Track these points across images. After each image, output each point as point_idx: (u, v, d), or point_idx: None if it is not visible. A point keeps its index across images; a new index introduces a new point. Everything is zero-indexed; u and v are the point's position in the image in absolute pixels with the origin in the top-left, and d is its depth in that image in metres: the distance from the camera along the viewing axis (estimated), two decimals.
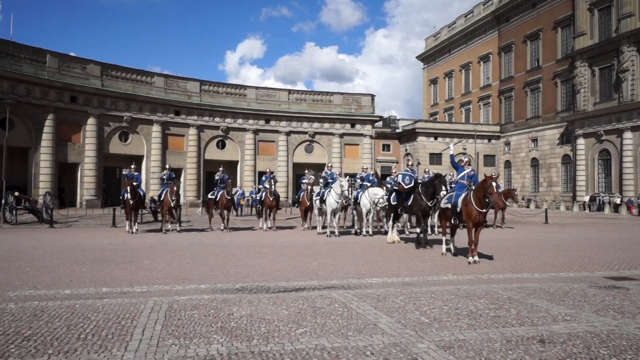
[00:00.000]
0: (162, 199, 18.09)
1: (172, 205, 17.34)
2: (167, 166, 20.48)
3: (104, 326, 5.43)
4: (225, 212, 18.60)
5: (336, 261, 10.77)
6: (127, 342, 4.87)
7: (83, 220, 23.33)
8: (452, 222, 11.59)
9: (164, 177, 19.26)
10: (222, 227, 18.58)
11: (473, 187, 11.11)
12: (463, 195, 11.01)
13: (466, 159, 12.38)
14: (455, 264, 10.47)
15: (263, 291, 7.51)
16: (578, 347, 4.81)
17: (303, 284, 8.14)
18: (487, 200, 10.30)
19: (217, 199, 18.69)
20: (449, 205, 11.46)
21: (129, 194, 16.81)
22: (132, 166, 18.80)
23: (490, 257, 11.22)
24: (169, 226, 18.07)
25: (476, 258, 10.50)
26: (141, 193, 17.82)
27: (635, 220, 28.84)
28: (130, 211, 17.12)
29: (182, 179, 38.44)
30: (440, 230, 14.06)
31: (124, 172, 17.95)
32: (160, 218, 22.08)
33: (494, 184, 10.19)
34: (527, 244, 14.85)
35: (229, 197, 18.40)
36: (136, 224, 17.68)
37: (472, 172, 11.99)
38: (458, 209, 11.00)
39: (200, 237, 16.05)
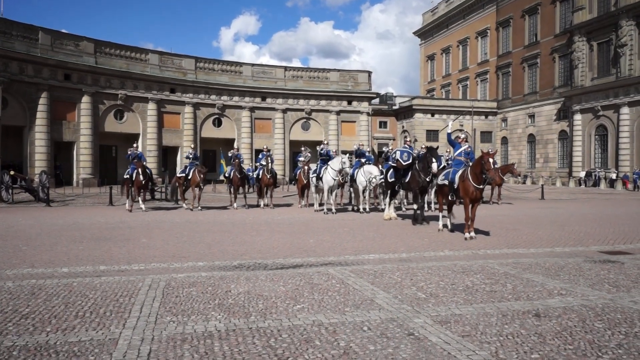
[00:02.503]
0: (189, 177, 18.30)
1: (200, 184, 17.70)
2: (192, 146, 20.42)
3: (102, 304, 5.45)
4: (240, 189, 18.93)
5: (333, 238, 10.81)
6: (125, 319, 4.89)
7: (80, 199, 23.29)
8: (450, 198, 11.62)
9: (190, 156, 19.27)
10: (234, 205, 18.72)
11: (470, 164, 11.11)
12: (460, 172, 11.01)
13: (463, 136, 12.32)
14: (452, 240, 10.53)
15: (260, 268, 7.54)
16: (573, 321, 4.86)
17: (300, 260, 8.17)
18: (484, 176, 10.32)
19: (231, 178, 18.97)
20: (446, 182, 11.47)
21: (141, 175, 16.98)
22: (135, 145, 19.02)
23: (486, 233, 11.27)
24: (199, 205, 18.22)
25: (472, 234, 10.55)
26: (149, 172, 17.92)
27: (631, 195, 28.99)
28: (137, 190, 17.38)
29: (178, 158, 38.34)
30: (437, 206, 14.10)
31: (129, 152, 18.18)
32: (157, 196, 22.19)
33: (490, 160, 10.20)
34: (523, 219, 14.92)
35: (240, 176, 18.62)
36: (144, 203, 17.76)
37: (469, 149, 11.94)
38: (455, 186, 11.02)
39: (197, 215, 16.06)
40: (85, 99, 33.38)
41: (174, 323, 4.80)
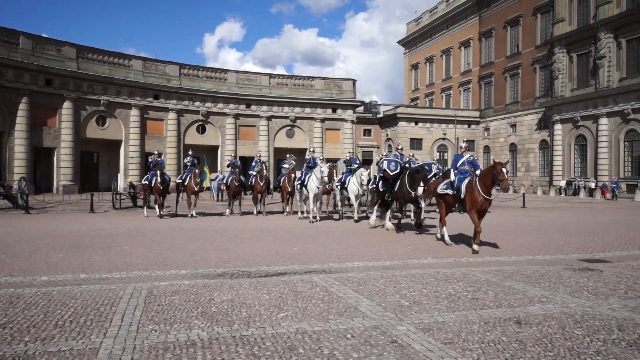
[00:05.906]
0: (185, 184, 18.47)
1: (195, 190, 17.99)
2: (190, 152, 20.17)
3: (82, 313, 5.37)
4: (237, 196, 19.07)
5: (317, 245, 10.81)
6: (106, 329, 4.83)
7: (60, 206, 22.94)
8: (455, 208, 11.01)
9: (188, 163, 19.22)
10: (229, 212, 18.90)
11: (477, 173, 10.38)
12: (466, 181, 10.34)
13: (464, 145, 11.86)
14: (435, 248, 10.59)
15: (244, 276, 7.50)
16: (553, 328, 4.92)
17: (284, 268, 8.15)
18: (497, 187, 9.75)
19: (228, 184, 19.16)
20: (449, 192, 10.84)
21: (159, 180, 17.26)
22: (156, 152, 19.25)
23: (470, 242, 11.33)
24: (193, 212, 18.22)
25: (477, 247, 9.93)
26: (167, 179, 18.03)
27: (609, 204, 29.51)
28: (158, 196, 17.70)
29: None
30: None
31: (150, 159, 18.55)
32: (139, 204, 21.99)
33: (504, 169, 9.57)
34: (505, 227, 15.08)
35: (237, 183, 18.78)
36: (162, 209, 17.93)
37: (472, 157, 11.25)
38: (462, 195, 10.36)
39: (180, 223, 15.94)
40: (67, 104, 32.98)
41: (156, 332, 4.75)
